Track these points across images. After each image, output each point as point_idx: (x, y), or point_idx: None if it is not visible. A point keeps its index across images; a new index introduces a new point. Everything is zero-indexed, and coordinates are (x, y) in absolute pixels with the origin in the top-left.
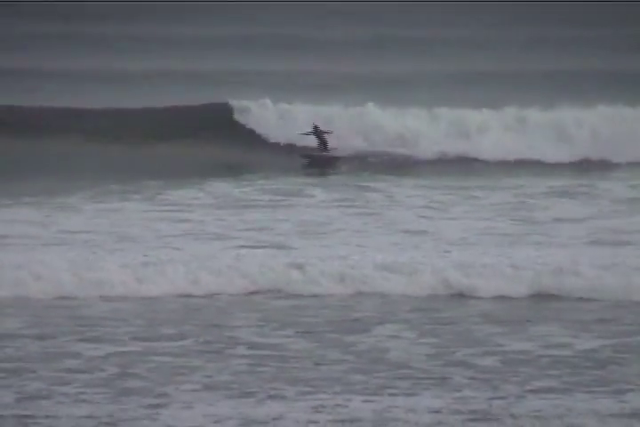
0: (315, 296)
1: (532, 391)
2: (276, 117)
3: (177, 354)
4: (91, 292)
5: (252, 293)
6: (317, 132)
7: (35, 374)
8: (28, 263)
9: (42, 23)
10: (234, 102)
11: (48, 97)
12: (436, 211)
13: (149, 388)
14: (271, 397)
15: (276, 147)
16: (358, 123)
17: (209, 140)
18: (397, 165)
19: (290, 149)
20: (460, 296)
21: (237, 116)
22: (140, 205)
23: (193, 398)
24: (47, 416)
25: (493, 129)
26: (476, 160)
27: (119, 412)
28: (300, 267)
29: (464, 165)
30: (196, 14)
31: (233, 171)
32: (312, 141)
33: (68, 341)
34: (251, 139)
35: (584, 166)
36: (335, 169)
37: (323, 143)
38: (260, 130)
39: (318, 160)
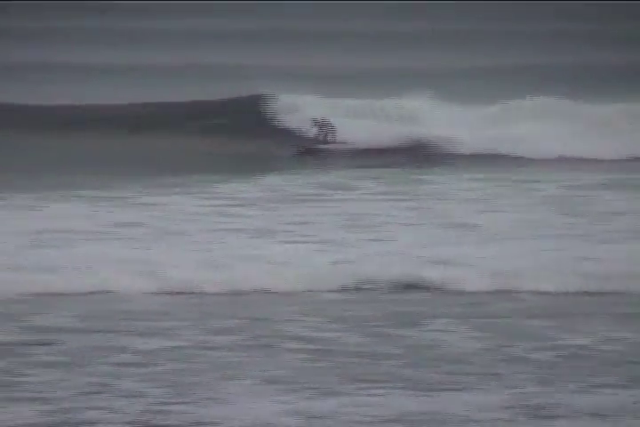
0: (359, 290)
1: (591, 386)
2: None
3: (231, 348)
4: (142, 286)
5: (300, 287)
6: (320, 123)
7: (90, 368)
8: (84, 257)
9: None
10: (279, 97)
11: (90, 93)
12: (487, 203)
13: (206, 383)
14: (328, 392)
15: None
16: (403, 115)
17: (254, 135)
18: (445, 159)
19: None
20: (507, 291)
21: (281, 112)
22: (191, 198)
23: (250, 392)
24: (103, 411)
25: (535, 122)
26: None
27: (177, 407)
28: (347, 262)
29: (511, 159)
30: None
31: (281, 165)
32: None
33: (121, 334)
34: (292, 133)
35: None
36: (321, 161)
37: (324, 135)
38: (300, 125)
39: (310, 152)
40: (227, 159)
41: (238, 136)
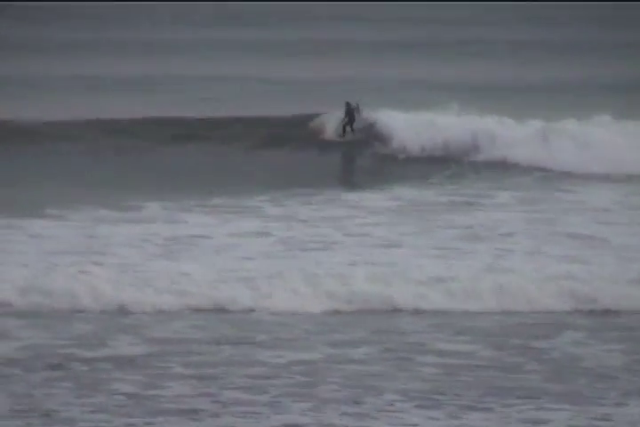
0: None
1: None
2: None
3: (364, 362)
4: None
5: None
6: (350, 109)
7: (227, 380)
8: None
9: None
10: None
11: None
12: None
13: (346, 396)
14: (471, 407)
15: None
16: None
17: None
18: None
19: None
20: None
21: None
22: (325, 207)
23: (388, 406)
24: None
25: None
26: None
27: (318, 419)
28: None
29: None
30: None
31: (412, 175)
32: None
33: (256, 347)
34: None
35: None
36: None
37: (350, 120)
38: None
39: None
40: (334, 171)
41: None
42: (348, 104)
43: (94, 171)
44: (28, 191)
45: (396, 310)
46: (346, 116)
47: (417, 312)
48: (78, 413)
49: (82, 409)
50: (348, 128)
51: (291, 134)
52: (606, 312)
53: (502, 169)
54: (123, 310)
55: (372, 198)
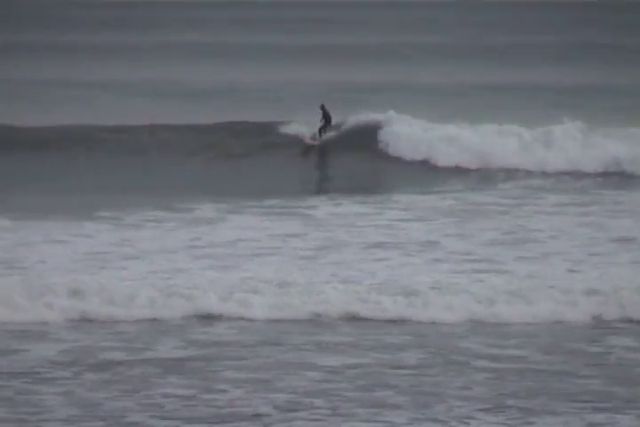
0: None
1: None
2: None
3: (417, 366)
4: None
5: None
6: (325, 111)
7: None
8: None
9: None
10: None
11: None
12: None
13: (408, 401)
14: (540, 412)
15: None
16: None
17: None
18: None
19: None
20: None
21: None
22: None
23: (453, 411)
24: None
25: None
26: None
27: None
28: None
29: None
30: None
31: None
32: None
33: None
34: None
35: None
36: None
37: (327, 121)
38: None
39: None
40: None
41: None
42: (323, 107)
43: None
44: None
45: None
46: (322, 119)
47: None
48: (140, 417)
49: (143, 414)
50: (323, 131)
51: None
52: None
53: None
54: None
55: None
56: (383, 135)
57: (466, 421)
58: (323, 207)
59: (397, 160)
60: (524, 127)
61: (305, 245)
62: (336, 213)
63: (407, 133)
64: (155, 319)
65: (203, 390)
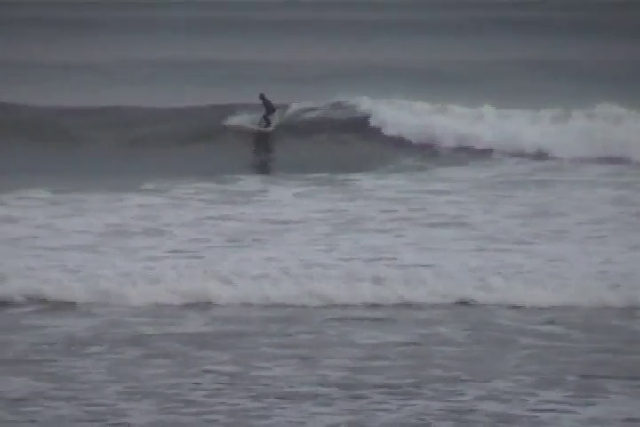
0: None
1: None
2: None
3: (462, 344)
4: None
5: None
6: (265, 100)
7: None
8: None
9: None
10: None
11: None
12: None
13: (458, 377)
14: (599, 389)
15: None
16: None
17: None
18: None
19: None
20: None
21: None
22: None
23: (512, 387)
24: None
25: None
26: None
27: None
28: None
29: None
30: None
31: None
32: None
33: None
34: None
35: None
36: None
37: (268, 111)
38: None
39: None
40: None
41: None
42: (262, 96)
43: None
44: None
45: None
46: (266, 109)
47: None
48: (195, 396)
49: (197, 393)
50: (269, 118)
51: None
52: None
53: None
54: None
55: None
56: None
57: (524, 398)
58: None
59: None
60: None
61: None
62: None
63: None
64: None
65: (248, 367)
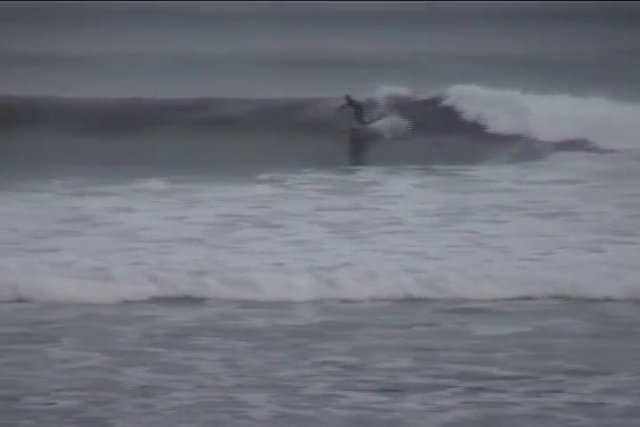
0: None
1: None
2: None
3: (577, 335)
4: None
5: None
6: (352, 102)
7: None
8: None
9: None
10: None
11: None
12: None
13: (582, 369)
14: None
15: None
16: None
17: None
18: None
19: None
20: None
21: None
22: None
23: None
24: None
25: None
26: None
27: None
28: None
29: None
30: None
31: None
32: None
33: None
34: None
35: None
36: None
37: (359, 114)
38: None
39: (360, 133)
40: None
41: None
42: (347, 97)
43: None
44: None
45: None
46: (347, 106)
47: None
48: (318, 388)
49: (322, 384)
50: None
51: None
52: None
53: None
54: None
55: None
56: None
57: None
58: None
59: None
60: None
61: None
62: None
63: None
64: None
65: (367, 358)
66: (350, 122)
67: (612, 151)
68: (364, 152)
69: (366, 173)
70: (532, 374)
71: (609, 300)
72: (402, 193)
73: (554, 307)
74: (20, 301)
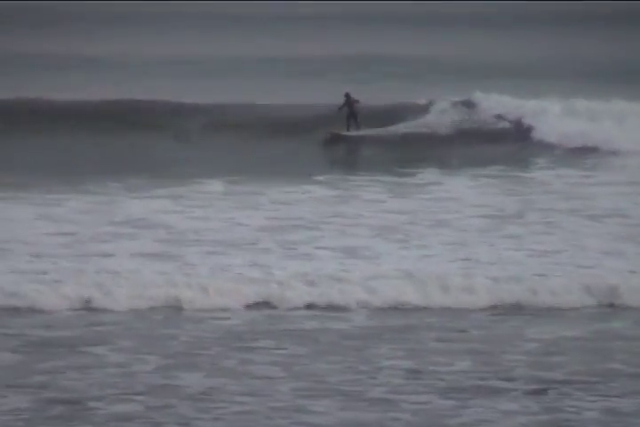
0: None
1: None
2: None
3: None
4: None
5: None
6: (349, 101)
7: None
8: None
9: None
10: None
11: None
12: None
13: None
14: None
15: None
16: None
17: None
18: None
19: None
20: None
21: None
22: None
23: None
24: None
25: None
26: None
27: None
28: None
29: None
30: None
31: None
32: None
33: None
34: None
35: None
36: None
37: (353, 114)
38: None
39: (340, 138)
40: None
41: None
42: (347, 95)
43: None
44: None
45: None
46: (344, 106)
47: None
48: (377, 392)
49: (381, 388)
50: (352, 122)
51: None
52: None
53: None
54: None
55: None
56: None
57: None
58: None
59: None
60: None
61: None
62: None
63: None
64: None
65: (424, 362)
66: (349, 122)
67: None
68: (422, 154)
69: (425, 175)
70: (593, 378)
71: None
72: (461, 194)
73: (605, 311)
74: None
